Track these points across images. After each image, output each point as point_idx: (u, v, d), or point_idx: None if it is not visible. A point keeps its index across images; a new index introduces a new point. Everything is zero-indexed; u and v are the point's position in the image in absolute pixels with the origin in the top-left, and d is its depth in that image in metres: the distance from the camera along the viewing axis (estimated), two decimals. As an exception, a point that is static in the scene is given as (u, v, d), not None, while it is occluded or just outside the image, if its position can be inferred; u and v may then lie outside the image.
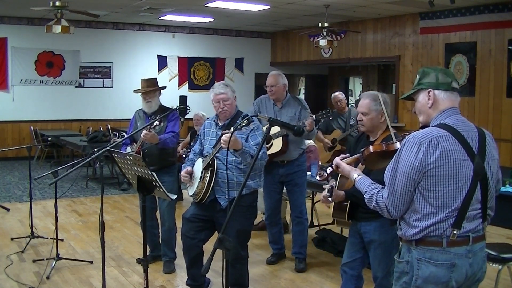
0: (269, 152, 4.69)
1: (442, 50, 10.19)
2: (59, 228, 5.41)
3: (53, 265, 4.79)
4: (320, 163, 5.83)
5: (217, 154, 3.82)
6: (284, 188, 5.10)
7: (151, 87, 4.83)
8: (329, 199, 3.04)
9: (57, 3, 7.79)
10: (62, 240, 5.68)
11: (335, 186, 3.17)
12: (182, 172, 4.04)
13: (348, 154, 2.88)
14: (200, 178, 3.89)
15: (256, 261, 5.14)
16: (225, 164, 3.70)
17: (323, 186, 3.06)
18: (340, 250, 4.96)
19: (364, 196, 2.44)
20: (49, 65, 11.96)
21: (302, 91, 16.14)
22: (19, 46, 11.60)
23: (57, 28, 7.87)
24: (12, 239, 5.77)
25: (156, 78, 5.02)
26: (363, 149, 2.65)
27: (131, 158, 3.37)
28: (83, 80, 12.39)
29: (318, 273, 4.93)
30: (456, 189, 2.25)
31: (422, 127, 2.39)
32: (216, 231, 4.00)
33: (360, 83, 15.12)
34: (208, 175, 3.81)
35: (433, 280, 2.28)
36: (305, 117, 4.77)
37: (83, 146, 9.03)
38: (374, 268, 3.38)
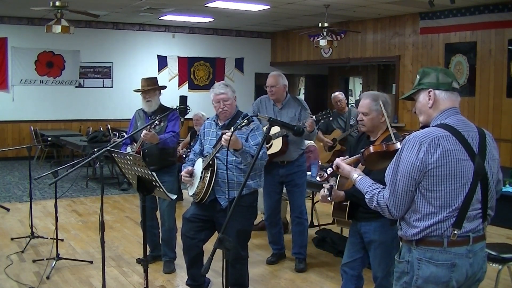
0: (269, 152, 4.69)
1: (442, 50, 10.18)
2: (59, 228, 5.41)
3: (53, 265, 4.79)
4: (320, 163, 5.82)
5: (217, 154, 3.82)
6: (284, 189, 5.10)
7: (151, 86, 4.84)
8: (328, 198, 3.04)
9: (57, 3, 7.79)
10: (62, 240, 5.68)
11: (335, 186, 3.18)
12: (182, 172, 4.04)
13: (347, 156, 2.89)
14: (200, 178, 3.89)
15: (256, 261, 5.14)
16: (225, 164, 3.69)
17: (323, 185, 3.06)
18: (340, 250, 4.96)
19: (365, 196, 2.44)
20: (49, 65, 11.95)
21: (302, 91, 16.13)
22: (19, 46, 11.60)
23: (57, 28, 7.87)
24: (12, 239, 5.77)
25: (156, 78, 5.03)
26: (363, 149, 2.66)
27: (131, 158, 3.37)
28: (83, 80, 12.39)
29: (318, 273, 4.93)
30: (457, 189, 2.25)
31: (423, 127, 2.39)
32: (216, 231, 4.00)
33: (360, 83, 15.12)
34: (208, 175, 3.81)
35: (433, 280, 2.29)
36: (305, 118, 4.76)
37: (83, 146, 9.03)
38: (374, 268, 3.38)
